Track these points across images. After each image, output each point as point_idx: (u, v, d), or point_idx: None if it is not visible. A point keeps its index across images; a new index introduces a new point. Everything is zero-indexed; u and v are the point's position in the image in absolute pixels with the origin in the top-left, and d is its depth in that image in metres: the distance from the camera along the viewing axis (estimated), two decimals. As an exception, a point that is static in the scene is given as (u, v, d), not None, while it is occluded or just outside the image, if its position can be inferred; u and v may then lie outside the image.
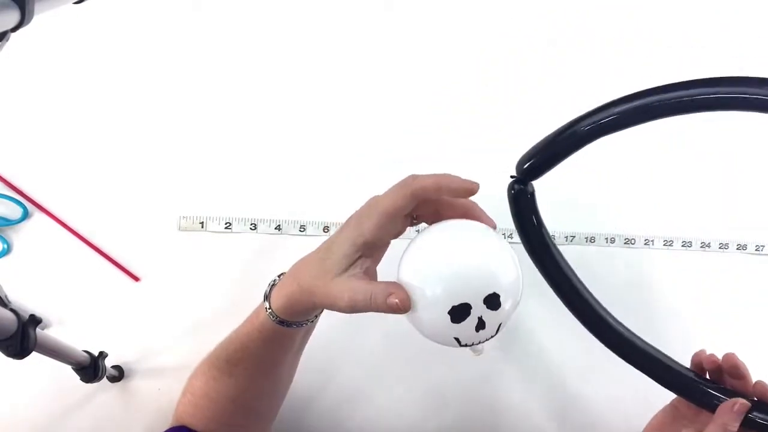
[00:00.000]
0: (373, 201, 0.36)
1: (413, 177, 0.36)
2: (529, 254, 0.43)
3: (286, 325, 0.39)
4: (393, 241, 0.39)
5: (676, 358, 0.48)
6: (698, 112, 0.39)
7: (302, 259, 0.39)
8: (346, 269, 0.36)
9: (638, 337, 0.45)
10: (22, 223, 0.53)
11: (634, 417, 0.49)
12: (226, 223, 0.56)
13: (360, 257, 0.36)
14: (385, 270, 0.39)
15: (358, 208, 0.37)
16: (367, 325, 0.57)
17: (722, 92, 0.38)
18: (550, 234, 0.58)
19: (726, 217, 0.62)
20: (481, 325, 0.34)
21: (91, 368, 0.48)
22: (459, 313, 0.33)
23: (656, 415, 0.47)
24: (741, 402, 0.40)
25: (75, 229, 0.53)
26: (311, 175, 0.57)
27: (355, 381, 0.57)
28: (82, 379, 0.48)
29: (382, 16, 0.59)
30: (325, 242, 0.38)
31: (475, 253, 0.34)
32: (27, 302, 0.52)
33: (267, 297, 0.39)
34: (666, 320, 0.60)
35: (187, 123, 0.56)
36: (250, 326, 0.41)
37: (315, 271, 0.37)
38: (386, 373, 0.57)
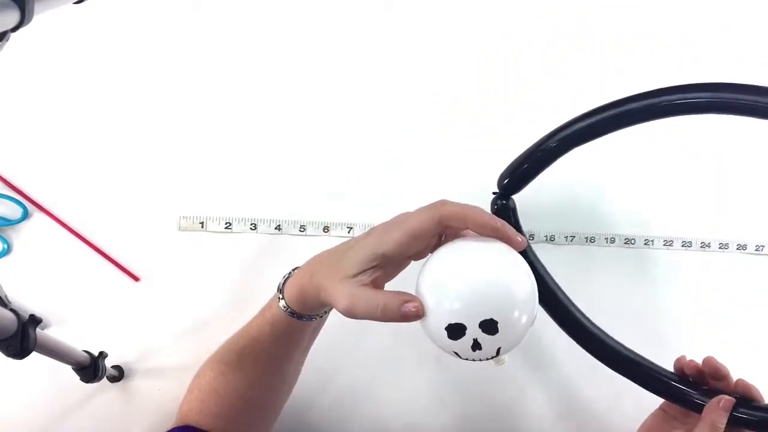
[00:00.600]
0: (402, 217, 0.37)
1: (443, 202, 0.36)
2: None
3: (297, 317, 0.40)
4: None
5: (676, 359, 0.49)
6: (655, 119, 0.44)
7: (319, 255, 0.40)
8: (355, 275, 0.36)
9: (622, 345, 0.47)
10: (22, 223, 0.53)
11: (634, 419, 0.49)
12: (226, 223, 0.56)
13: (374, 267, 0.36)
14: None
15: (369, 217, 0.37)
16: (369, 326, 0.57)
17: (675, 99, 0.43)
18: (551, 234, 0.59)
19: (726, 217, 0.62)
20: (476, 346, 0.33)
21: (91, 368, 0.48)
22: (455, 331, 0.33)
23: (647, 420, 0.48)
24: (726, 398, 0.42)
25: (75, 229, 0.53)
26: (311, 175, 0.57)
27: (356, 381, 0.57)
28: (82, 379, 0.48)
29: (382, 16, 0.59)
30: (346, 242, 0.38)
31: (478, 276, 0.34)
32: (27, 302, 0.52)
33: (281, 288, 0.40)
34: (666, 320, 0.60)
35: (187, 123, 0.56)
36: (261, 319, 0.42)
37: (327, 268, 0.37)
38: (387, 374, 0.57)
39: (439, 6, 0.60)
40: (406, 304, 0.34)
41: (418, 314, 0.34)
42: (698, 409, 0.43)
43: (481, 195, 0.58)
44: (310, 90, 0.58)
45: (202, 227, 0.55)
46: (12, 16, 0.28)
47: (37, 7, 0.29)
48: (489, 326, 0.33)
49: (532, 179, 0.45)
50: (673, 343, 0.52)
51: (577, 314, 0.47)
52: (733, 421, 0.41)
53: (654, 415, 0.48)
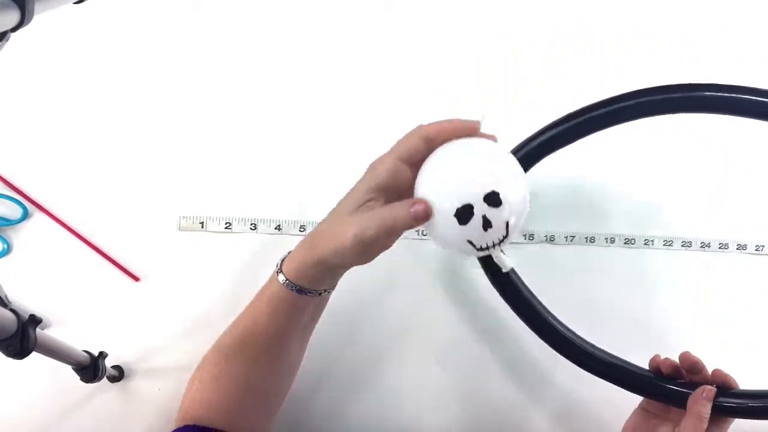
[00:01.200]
0: (386, 152, 0.38)
1: (420, 125, 0.38)
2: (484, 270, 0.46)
3: (298, 291, 0.39)
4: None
5: (676, 359, 0.49)
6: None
7: (314, 227, 0.40)
8: (354, 211, 0.36)
9: (598, 348, 0.48)
10: (22, 223, 0.53)
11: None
12: (226, 223, 0.56)
13: (372, 199, 0.37)
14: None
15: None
16: (369, 326, 0.57)
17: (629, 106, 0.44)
18: (551, 234, 0.59)
19: (726, 217, 0.62)
20: (487, 223, 0.35)
21: (91, 368, 0.48)
22: (463, 214, 0.35)
23: (628, 419, 0.49)
24: (708, 388, 0.43)
25: (75, 229, 0.53)
26: (311, 175, 0.57)
27: (355, 381, 0.57)
28: (82, 379, 0.48)
29: (382, 16, 0.59)
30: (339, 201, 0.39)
31: (472, 157, 0.37)
32: (27, 302, 0.53)
33: (279, 265, 0.40)
34: (666, 320, 0.60)
35: (187, 123, 0.56)
36: (259, 300, 0.42)
37: (327, 225, 0.38)
38: (386, 374, 0.57)
39: (439, 6, 0.60)
40: (415, 206, 0.34)
41: (426, 212, 0.35)
42: (679, 402, 0.44)
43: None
44: (310, 90, 0.58)
45: (202, 227, 0.55)
46: (12, 16, 0.28)
47: (37, 7, 0.29)
48: (493, 199, 0.35)
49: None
50: (673, 343, 0.52)
51: (550, 318, 0.48)
52: (715, 410, 0.43)
53: (635, 413, 0.48)
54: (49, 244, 0.53)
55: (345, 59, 0.58)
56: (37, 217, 0.53)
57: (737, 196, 0.62)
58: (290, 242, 0.55)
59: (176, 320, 0.54)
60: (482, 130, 0.38)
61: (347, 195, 0.38)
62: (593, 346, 0.48)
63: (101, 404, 0.53)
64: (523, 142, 0.46)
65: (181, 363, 0.53)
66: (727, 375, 0.44)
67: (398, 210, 0.35)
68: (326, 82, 0.58)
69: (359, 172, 0.56)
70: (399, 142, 0.38)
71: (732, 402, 0.43)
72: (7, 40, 0.29)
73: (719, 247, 0.61)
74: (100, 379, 0.49)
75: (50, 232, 0.53)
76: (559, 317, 0.50)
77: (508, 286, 0.47)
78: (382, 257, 0.57)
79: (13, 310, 0.36)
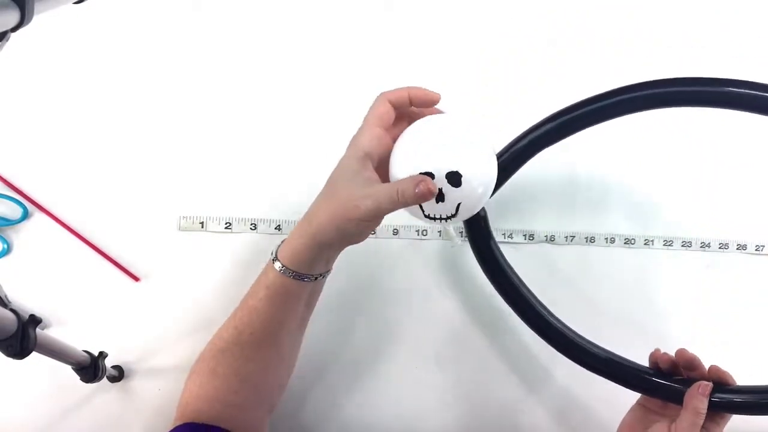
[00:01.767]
0: (360, 126, 0.41)
1: (382, 92, 0.41)
2: (484, 271, 0.48)
3: (295, 277, 0.40)
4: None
5: (650, 353, 0.49)
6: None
7: (305, 216, 0.41)
8: (355, 177, 0.38)
9: (594, 345, 0.48)
10: (22, 223, 0.53)
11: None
12: (226, 223, 0.56)
13: (364, 168, 0.39)
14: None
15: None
16: (368, 326, 0.57)
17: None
18: (551, 234, 0.59)
19: (726, 217, 0.62)
20: (440, 197, 0.38)
21: (91, 368, 0.48)
22: None
23: (625, 417, 0.49)
24: (704, 384, 0.43)
25: (75, 229, 0.53)
26: (311, 175, 0.57)
27: (355, 382, 0.57)
28: (82, 379, 0.48)
29: (382, 16, 0.59)
30: (324, 188, 0.41)
31: (444, 133, 0.39)
32: (27, 302, 0.53)
33: (275, 254, 0.41)
34: (666, 320, 0.60)
35: (187, 123, 0.56)
36: (254, 293, 0.42)
37: (328, 202, 0.39)
38: (386, 374, 0.57)
39: (439, 6, 0.60)
40: (419, 185, 0.36)
41: (430, 190, 0.36)
42: (676, 399, 0.45)
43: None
44: (310, 90, 0.58)
45: (202, 227, 0.55)
46: (12, 16, 0.28)
47: (37, 7, 0.29)
48: (454, 178, 0.38)
49: (500, 185, 0.45)
50: (673, 343, 0.52)
51: (550, 318, 0.48)
52: (711, 406, 0.43)
53: (632, 410, 0.49)
54: (49, 244, 0.53)
55: (345, 59, 0.58)
56: (37, 217, 0.53)
57: (737, 196, 0.62)
58: (290, 242, 0.56)
59: (176, 320, 0.54)
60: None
61: (339, 170, 0.40)
62: (590, 342, 0.48)
63: (101, 404, 0.53)
64: (510, 142, 0.47)
65: (181, 363, 0.53)
66: (724, 371, 0.45)
67: (406, 187, 0.37)
68: (326, 83, 0.58)
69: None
70: (369, 112, 0.41)
71: (728, 397, 0.44)
72: (7, 40, 0.29)
73: (719, 247, 0.61)
74: (100, 379, 0.49)
75: (50, 232, 0.53)
76: (559, 317, 0.50)
77: (505, 283, 0.48)
78: (383, 257, 0.57)
79: (13, 310, 0.36)
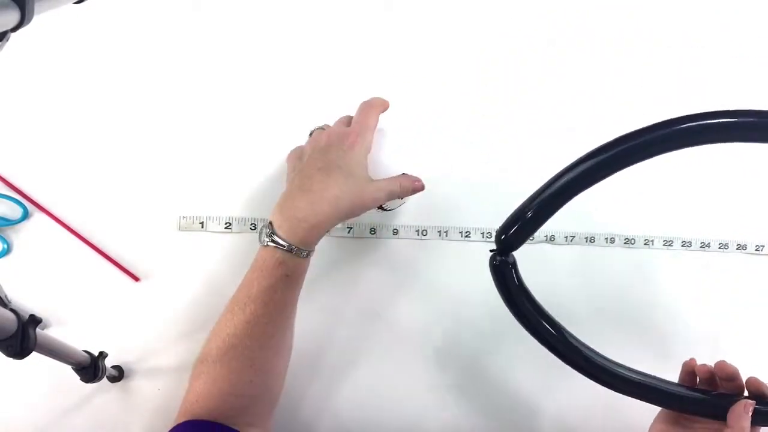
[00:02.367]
0: (363, 129, 0.50)
1: (371, 103, 0.53)
2: (520, 322, 0.45)
3: (306, 255, 0.46)
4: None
5: (676, 359, 0.49)
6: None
7: (293, 201, 0.46)
8: (365, 172, 0.49)
9: (624, 367, 0.45)
10: (22, 223, 0.53)
11: (641, 418, 0.49)
12: (226, 223, 0.56)
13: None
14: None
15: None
16: (367, 326, 0.57)
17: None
18: (550, 234, 0.59)
19: (726, 217, 0.62)
20: None
21: (91, 368, 0.48)
22: None
23: (652, 427, 0.48)
24: (747, 402, 0.42)
25: (75, 229, 0.53)
26: (311, 175, 0.57)
27: (355, 382, 0.57)
28: (82, 379, 0.48)
29: (382, 16, 0.59)
30: (328, 169, 0.47)
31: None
32: (27, 302, 0.53)
33: (270, 234, 0.45)
34: (666, 320, 0.60)
35: (187, 123, 0.56)
36: (270, 281, 0.45)
37: (351, 190, 0.46)
38: (386, 374, 0.57)
39: (439, 6, 0.60)
40: (415, 183, 0.51)
41: (420, 186, 0.51)
42: (715, 415, 0.43)
43: (482, 195, 0.58)
44: (311, 90, 0.58)
45: (202, 227, 0.55)
46: (12, 16, 0.28)
47: (37, 7, 0.29)
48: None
49: (532, 234, 0.44)
50: (672, 343, 0.52)
51: (585, 350, 0.45)
52: (753, 422, 0.42)
53: (659, 420, 0.47)
54: (49, 244, 0.53)
55: (345, 59, 0.58)
56: (37, 217, 0.53)
57: (737, 196, 0.62)
58: (290, 242, 0.56)
59: (176, 320, 0.54)
60: None
61: (355, 163, 0.47)
62: (618, 365, 0.45)
63: (101, 404, 0.53)
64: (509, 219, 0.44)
65: (181, 363, 0.54)
66: (762, 382, 0.44)
67: (404, 182, 0.50)
68: (327, 83, 0.58)
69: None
70: (370, 119, 0.51)
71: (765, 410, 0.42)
72: (7, 40, 0.29)
73: (719, 247, 0.61)
74: (100, 379, 0.49)
75: (50, 232, 0.53)
76: (558, 317, 0.49)
77: (542, 329, 0.45)
78: (383, 257, 0.57)
79: (13, 310, 0.36)
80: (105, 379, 0.51)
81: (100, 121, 0.55)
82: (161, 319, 0.54)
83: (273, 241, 0.44)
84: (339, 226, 0.54)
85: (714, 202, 0.62)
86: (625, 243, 0.60)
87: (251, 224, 0.56)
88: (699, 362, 0.46)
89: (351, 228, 0.57)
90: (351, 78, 0.58)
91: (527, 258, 0.59)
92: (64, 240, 0.53)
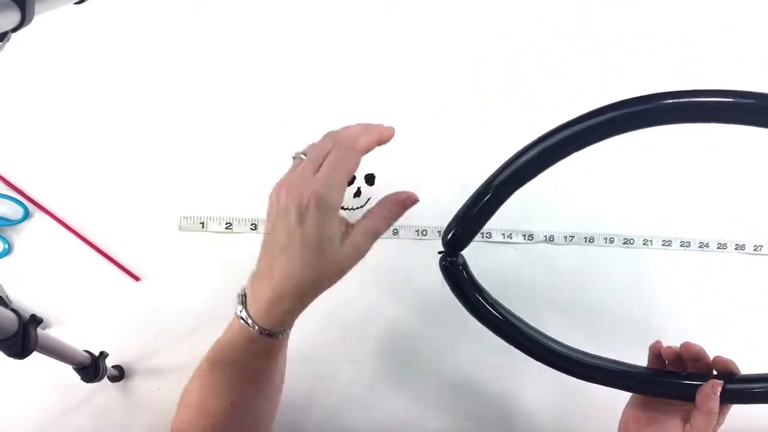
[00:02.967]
0: (320, 183, 0.39)
1: (347, 146, 0.41)
2: (479, 321, 0.44)
3: (282, 335, 0.40)
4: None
5: (651, 344, 0.48)
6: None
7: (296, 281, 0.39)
8: (344, 226, 0.40)
9: (593, 356, 0.46)
10: (23, 223, 0.53)
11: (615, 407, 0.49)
12: (226, 223, 0.56)
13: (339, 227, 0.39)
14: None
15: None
16: (367, 326, 0.57)
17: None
18: (550, 234, 0.59)
19: (724, 217, 0.62)
20: (357, 193, 0.50)
21: (91, 368, 0.48)
22: (349, 182, 0.40)
23: (625, 411, 0.47)
24: (715, 382, 0.42)
25: (75, 229, 0.53)
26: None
27: (354, 382, 0.57)
28: (82, 379, 0.48)
29: (382, 16, 0.59)
30: (287, 244, 0.39)
31: None
32: (28, 302, 0.53)
33: (248, 320, 0.40)
34: (665, 320, 0.60)
35: (187, 123, 0.56)
36: (228, 346, 0.41)
37: (309, 263, 0.38)
38: (385, 375, 0.57)
39: (439, 6, 0.60)
40: (405, 201, 0.41)
41: (413, 199, 0.41)
42: (684, 396, 0.43)
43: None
44: (310, 90, 0.58)
45: (203, 227, 0.55)
46: (12, 17, 0.28)
47: (37, 7, 0.29)
48: (370, 179, 0.51)
49: (477, 232, 0.43)
50: (671, 342, 0.52)
51: (550, 342, 0.45)
52: (722, 400, 0.42)
53: (632, 405, 0.47)
54: (49, 244, 0.53)
55: (345, 59, 0.58)
56: (38, 217, 0.53)
57: (736, 196, 0.62)
58: (290, 242, 0.56)
59: (177, 320, 0.54)
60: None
61: (322, 226, 0.38)
62: (586, 354, 0.46)
63: (102, 404, 0.53)
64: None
65: (181, 363, 0.53)
66: (728, 360, 0.43)
67: (392, 208, 0.41)
68: (327, 83, 0.58)
69: (358, 172, 0.56)
70: (338, 172, 0.40)
71: (738, 389, 0.42)
72: (7, 41, 0.29)
73: (718, 247, 0.61)
74: (101, 378, 0.49)
75: (51, 232, 0.53)
76: (557, 317, 0.50)
77: (502, 324, 0.44)
78: (383, 257, 0.57)
79: (14, 310, 0.36)
80: (105, 379, 0.51)
81: (100, 122, 0.55)
82: (162, 319, 0.54)
83: (242, 319, 0.41)
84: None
85: (713, 202, 0.62)
86: (623, 243, 0.60)
87: (251, 224, 0.56)
88: (681, 349, 0.46)
89: (351, 228, 0.57)
90: (351, 78, 0.58)
91: (527, 258, 0.59)
92: (64, 240, 0.53)
